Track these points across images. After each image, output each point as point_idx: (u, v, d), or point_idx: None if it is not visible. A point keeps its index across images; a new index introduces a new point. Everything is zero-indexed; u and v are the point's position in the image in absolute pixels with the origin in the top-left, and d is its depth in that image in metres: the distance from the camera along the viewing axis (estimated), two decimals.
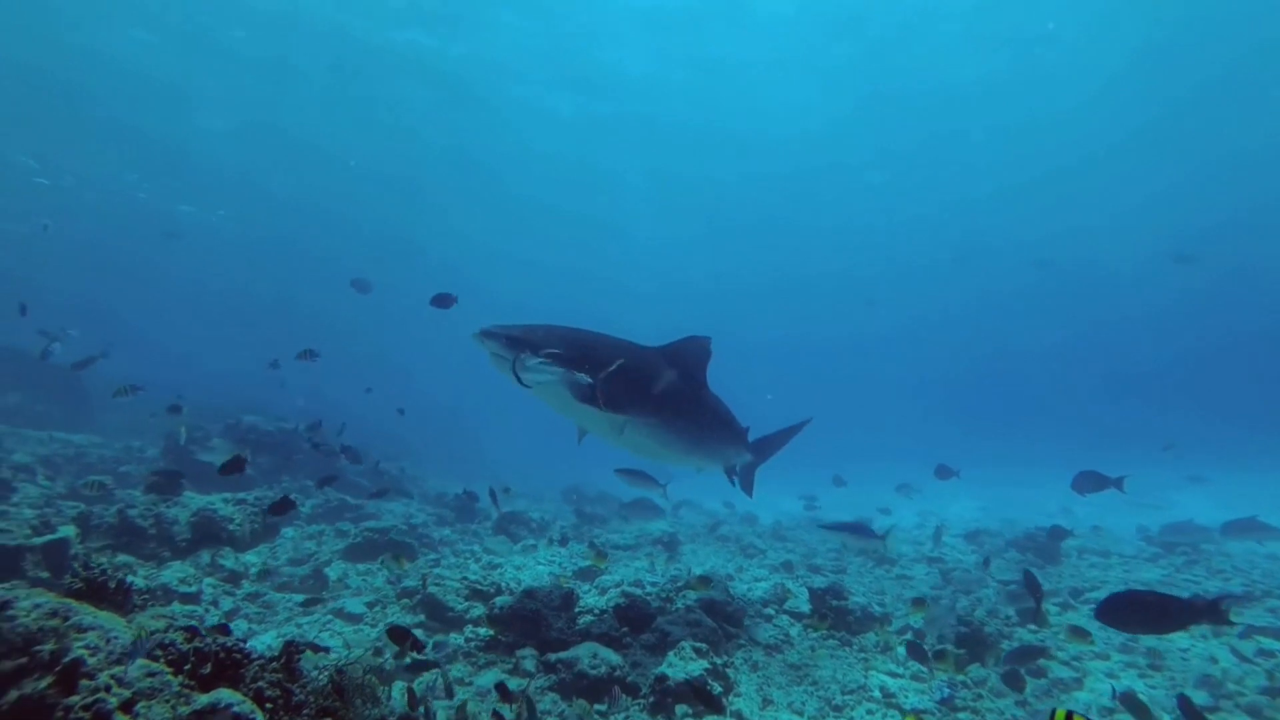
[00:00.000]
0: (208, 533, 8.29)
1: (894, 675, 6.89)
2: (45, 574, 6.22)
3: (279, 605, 7.53)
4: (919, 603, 7.85)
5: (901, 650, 7.30)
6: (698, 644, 6.22)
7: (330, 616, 7.30)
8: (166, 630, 4.02)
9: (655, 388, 6.39)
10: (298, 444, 14.27)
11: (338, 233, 38.75)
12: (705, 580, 7.89)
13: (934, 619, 8.23)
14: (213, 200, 34.10)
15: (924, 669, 6.84)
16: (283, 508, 7.46)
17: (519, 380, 5.71)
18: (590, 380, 5.74)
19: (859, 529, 8.52)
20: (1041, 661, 7.13)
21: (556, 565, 10.38)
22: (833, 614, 8.18)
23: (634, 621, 7.26)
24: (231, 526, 8.47)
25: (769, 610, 8.76)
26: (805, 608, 8.68)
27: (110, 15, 22.10)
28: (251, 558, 8.60)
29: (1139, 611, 4.70)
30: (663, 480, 8.87)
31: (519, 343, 5.73)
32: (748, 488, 8.55)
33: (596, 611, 7.29)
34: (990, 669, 6.90)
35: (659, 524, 13.78)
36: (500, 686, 5.24)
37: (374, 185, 34.42)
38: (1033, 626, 7.92)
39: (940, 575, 11.46)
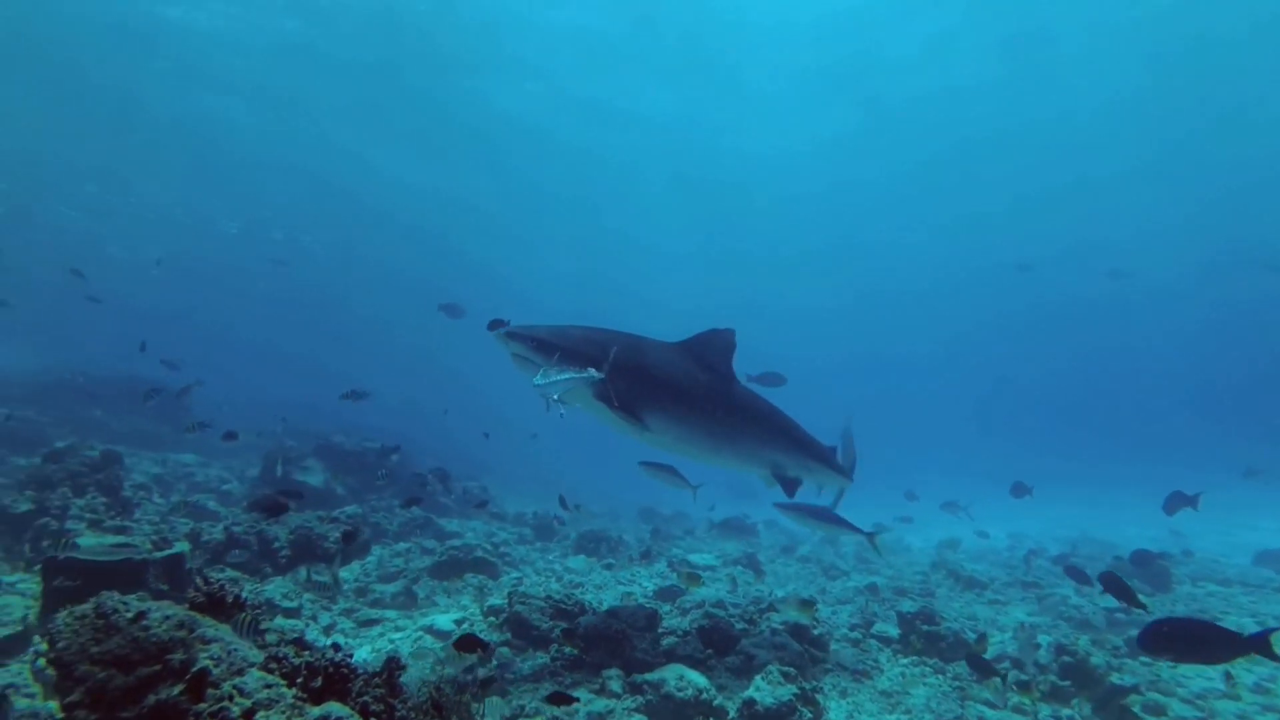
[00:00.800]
0: (305, 549, 8.67)
1: (992, 706, 6.57)
2: (165, 586, 6.62)
3: (374, 620, 7.79)
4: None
5: (999, 679, 6.96)
6: (785, 668, 6.09)
7: (421, 633, 7.50)
8: (278, 644, 4.22)
9: (672, 382, 6.10)
10: (384, 464, 14.79)
11: (425, 258, 40.31)
12: (808, 604, 7.69)
13: (1026, 645, 7.83)
14: (306, 225, 35.99)
15: (1027, 700, 6.50)
16: (350, 538, 7.84)
17: (548, 393, 5.59)
18: (602, 377, 5.47)
19: (825, 514, 8.02)
20: (1158, 698, 6.67)
21: (636, 585, 10.39)
22: (924, 639, 7.89)
23: (718, 643, 7.18)
24: (326, 544, 8.83)
25: (855, 634, 8.52)
26: (894, 632, 8.40)
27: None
28: (345, 574, 8.96)
29: (1184, 640, 4.55)
30: (695, 481, 8.26)
31: (544, 345, 5.61)
32: (837, 506, 8.21)
33: (680, 632, 7.25)
34: (1094, 706, 6.50)
35: (737, 544, 13.62)
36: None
37: (460, 212, 35.80)
38: (1145, 659, 7.41)
39: (1037, 601, 10.90)
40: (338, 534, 8.88)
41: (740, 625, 7.69)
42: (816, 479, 7.44)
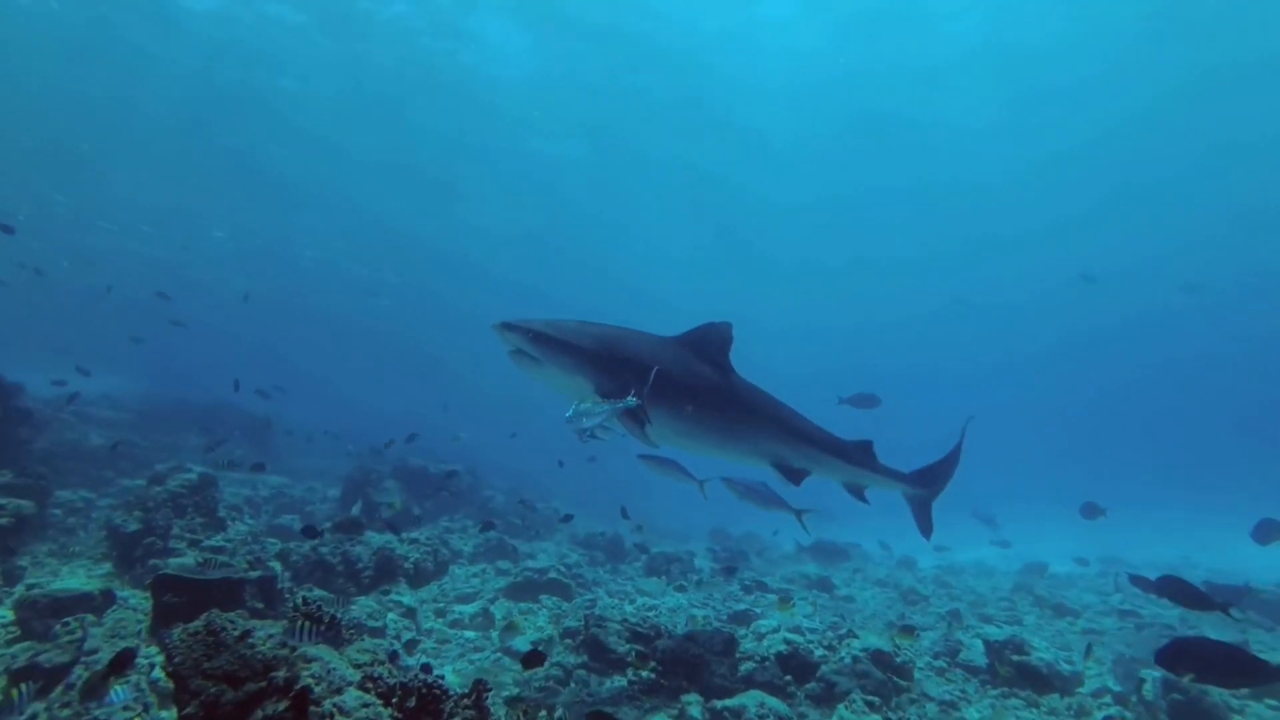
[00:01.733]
0: (387, 570, 8.93)
1: None
2: (260, 604, 6.92)
3: (453, 640, 7.95)
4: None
5: (1100, 716, 6.58)
6: (869, 697, 5.93)
7: (499, 654, 7.61)
8: (372, 664, 4.35)
9: (671, 376, 5.87)
10: (458, 485, 15.14)
11: (486, 286, 41.40)
12: (909, 630, 7.45)
13: (1129, 679, 7.38)
14: (376, 258, 37.47)
15: None
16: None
17: (583, 426, 5.51)
18: (640, 403, 5.32)
19: (762, 490, 7.74)
20: None
21: (710, 608, 10.29)
22: (1014, 669, 7.54)
23: (797, 670, 7.04)
24: (407, 565, 9.07)
25: (940, 663, 8.21)
26: (981, 661, 8.06)
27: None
28: (424, 593, 9.17)
29: (1207, 661, 4.48)
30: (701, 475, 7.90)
31: (541, 337, 5.53)
32: (926, 527, 7.57)
33: (758, 658, 7.13)
34: None
35: (813, 566, 13.35)
36: None
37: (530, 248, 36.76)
38: (1271, 701, 6.87)
39: (1135, 630, 10.28)
40: (417, 555, 9.12)
41: (819, 651, 7.51)
42: (824, 470, 6.99)
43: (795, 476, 6.69)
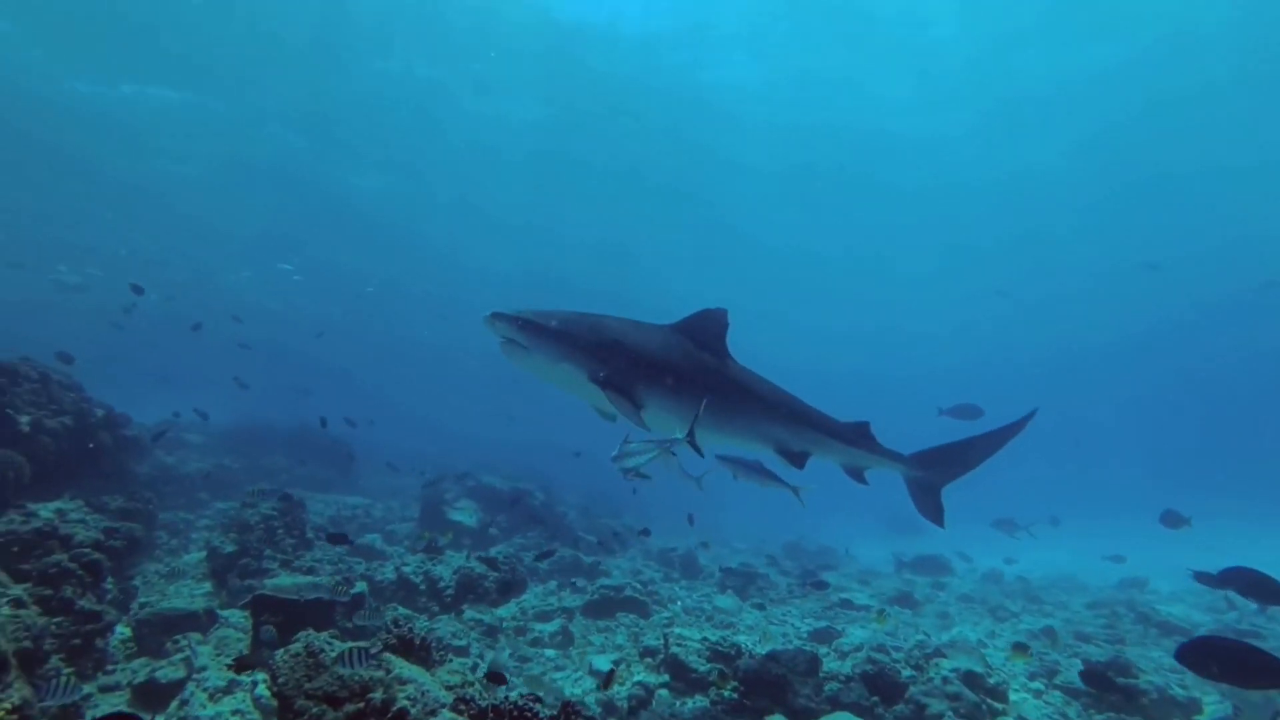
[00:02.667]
0: (467, 589, 9.10)
1: None
2: (350, 624, 7.16)
3: (534, 659, 8.03)
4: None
5: None
6: None
7: (580, 673, 7.64)
8: (463, 685, 4.43)
9: (669, 363, 5.90)
10: (531, 502, 15.34)
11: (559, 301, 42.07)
12: (1023, 648, 7.14)
13: (1261, 712, 6.85)
14: (449, 279, 38.60)
15: None
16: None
17: (630, 466, 5.49)
18: (682, 439, 5.24)
19: (757, 468, 7.63)
20: None
21: (789, 625, 10.10)
22: (1120, 694, 7.12)
23: (884, 690, 6.82)
24: (486, 583, 9.23)
25: (1036, 684, 7.83)
26: (1079, 683, 7.64)
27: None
28: (503, 612, 9.31)
29: (1230, 662, 4.41)
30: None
31: (531, 326, 5.49)
32: (933, 514, 7.06)
33: (842, 678, 6.95)
34: None
35: (892, 581, 12.96)
36: None
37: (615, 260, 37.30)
38: None
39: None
40: (497, 574, 9.27)
41: (907, 671, 7.27)
42: (823, 452, 6.76)
43: (797, 460, 6.56)
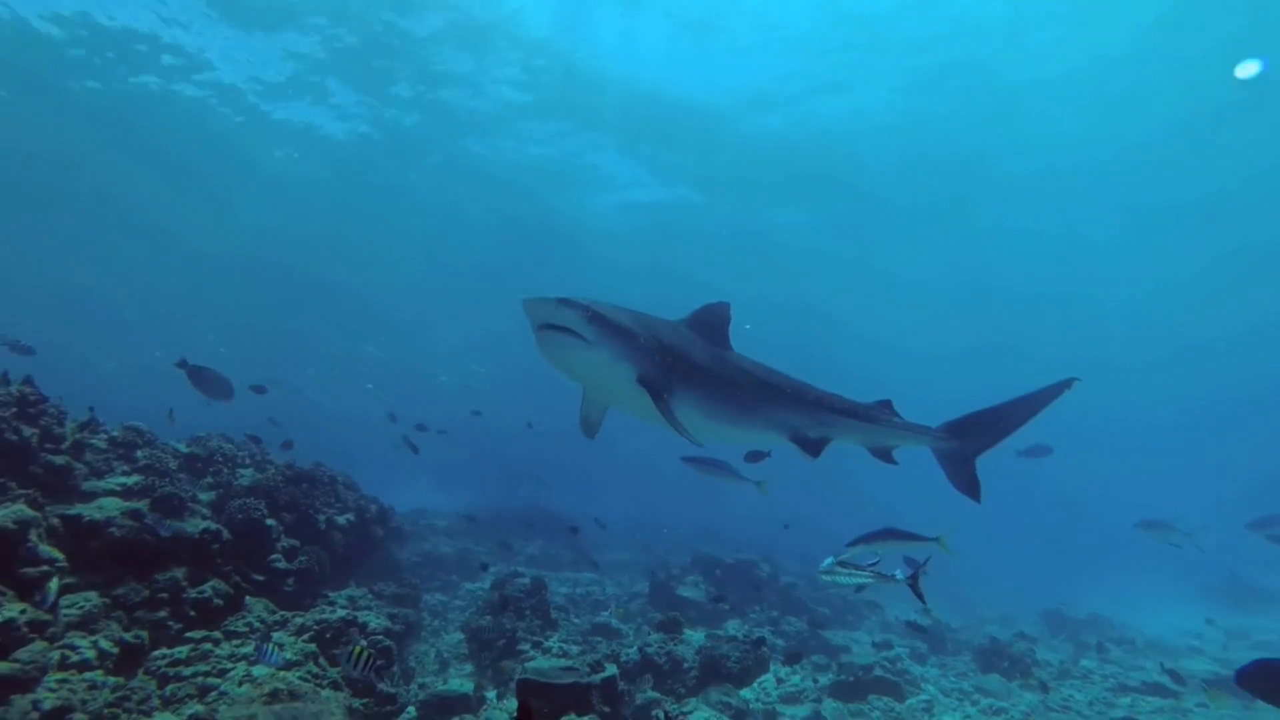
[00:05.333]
0: (711, 669, 8.93)
1: None
2: (606, 708, 7.26)
3: None
4: None
5: None
6: None
7: None
8: None
9: (697, 360, 5.74)
10: (758, 574, 14.96)
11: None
12: None
13: None
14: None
15: None
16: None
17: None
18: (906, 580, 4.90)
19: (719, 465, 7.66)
20: None
21: (1074, 713, 8.77)
22: None
23: None
24: (730, 663, 9.00)
25: None
26: None
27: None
28: (748, 694, 8.99)
29: None
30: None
31: (600, 319, 5.00)
32: (967, 486, 6.45)
33: None
34: None
35: (1198, 659, 10.90)
36: None
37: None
38: None
39: None
40: (738, 654, 9.02)
41: None
42: (842, 433, 6.39)
43: (814, 448, 6.30)
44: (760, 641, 9.57)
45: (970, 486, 6.50)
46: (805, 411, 6.37)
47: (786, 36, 20.35)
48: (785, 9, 19.44)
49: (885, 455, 6.73)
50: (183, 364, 7.74)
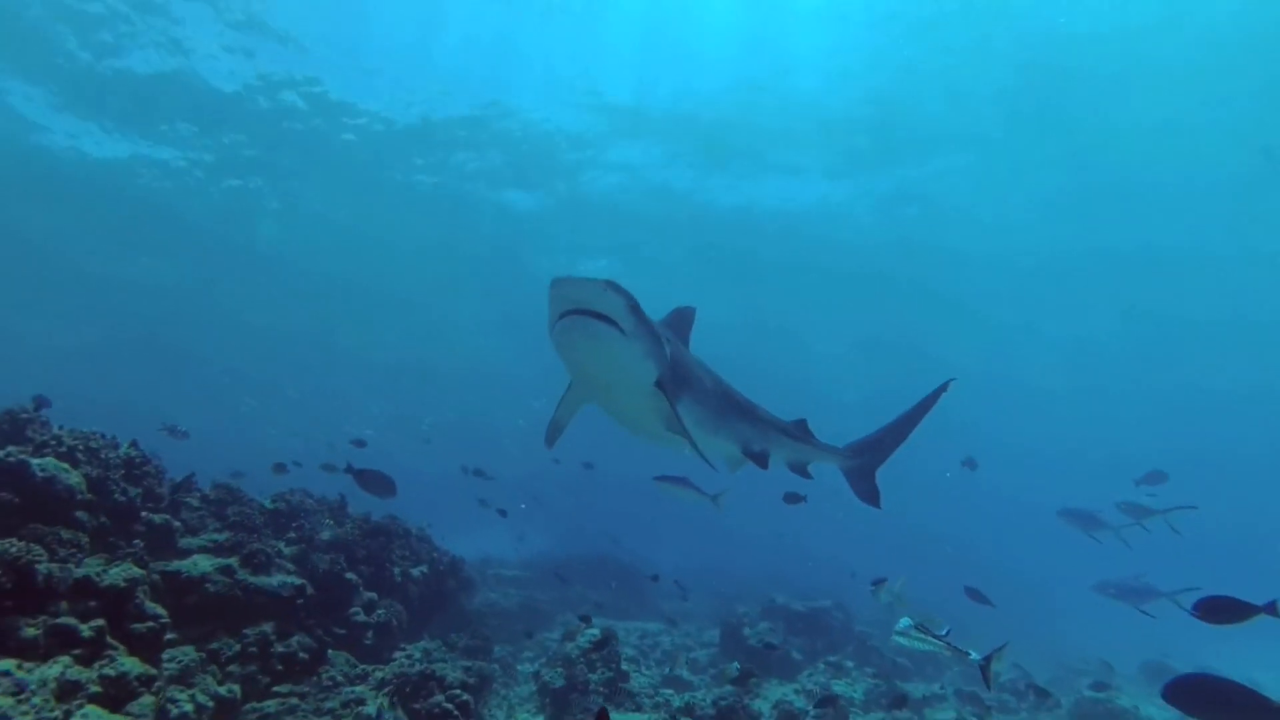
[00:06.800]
0: None
1: None
2: None
3: None
4: None
5: None
6: None
7: None
8: None
9: (688, 369, 5.76)
10: (831, 622, 14.54)
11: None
12: None
13: None
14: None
15: None
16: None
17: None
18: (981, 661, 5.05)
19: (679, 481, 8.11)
20: None
21: None
22: None
23: None
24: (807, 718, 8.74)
25: None
26: None
27: None
28: None
29: (1216, 702, 4.19)
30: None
31: (639, 313, 4.60)
32: (869, 496, 7.15)
33: None
34: None
35: None
36: None
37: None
38: None
39: None
40: (816, 711, 8.75)
41: None
42: (777, 449, 6.75)
43: (762, 460, 6.54)
44: (833, 698, 9.27)
45: (871, 496, 7.20)
46: (755, 425, 6.66)
47: None
48: None
49: (802, 471, 7.23)
50: (350, 469, 8.31)
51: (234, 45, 20.06)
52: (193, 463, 9.48)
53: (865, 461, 7.25)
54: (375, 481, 8.15)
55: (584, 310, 4.38)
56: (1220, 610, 5.29)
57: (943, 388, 6.68)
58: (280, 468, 12.31)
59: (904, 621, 5.39)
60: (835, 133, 22.77)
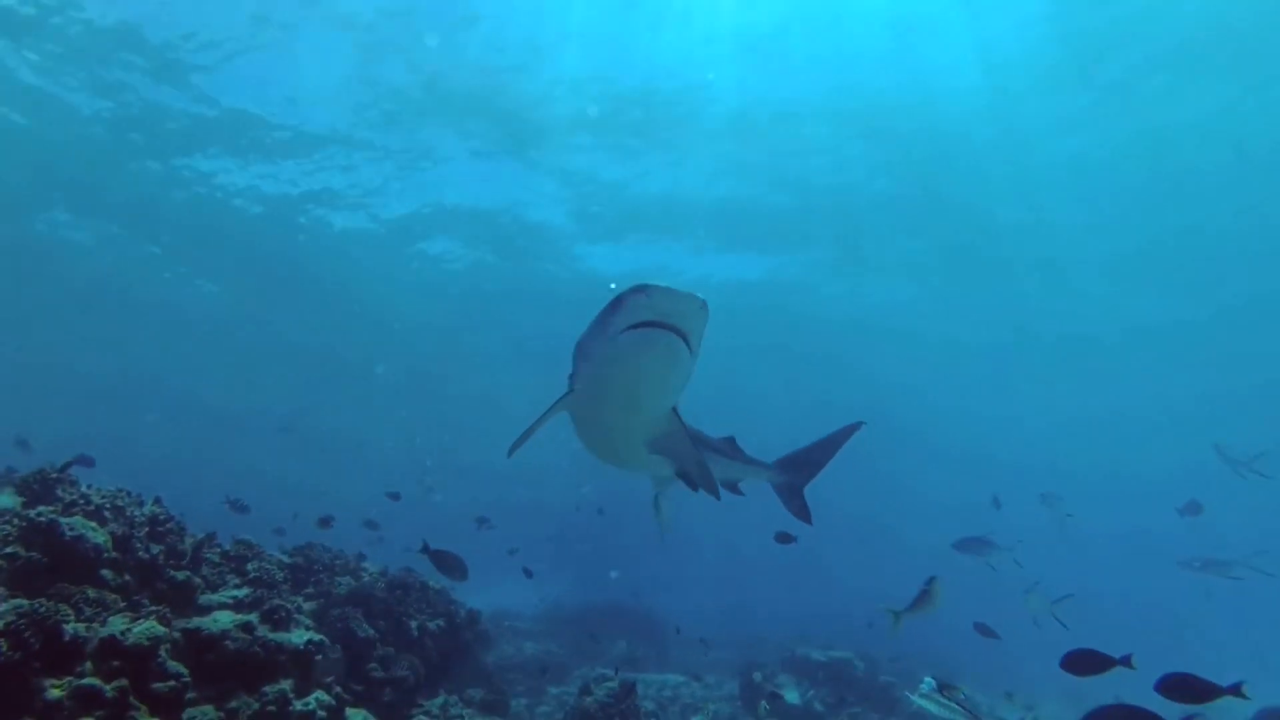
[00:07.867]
0: None
1: None
2: None
3: None
4: None
5: None
6: None
7: None
8: None
9: None
10: (853, 674, 14.23)
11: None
12: None
13: None
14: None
15: None
16: None
17: None
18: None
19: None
20: None
21: None
22: None
23: None
24: None
25: None
26: None
27: None
28: None
29: None
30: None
31: (700, 339, 4.41)
32: (799, 511, 7.15)
33: None
34: None
35: None
36: None
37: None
38: None
39: None
40: None
41: None
42: (711, 469, 6.28)
43: (690, 481, 6.30)
44: None
45: (803, 512, 7.20)
46: (682, 444, 6.42)
47: None
48: None
49: (733, 487, 7.22)
50: (425, 549, 8.52)
51: None
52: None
53: (795, 479, 7.29)
54: (449, 563, 8.32)
55: (668, 325, 3.98)
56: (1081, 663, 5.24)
57: (855, 427, 7.04)
58: (372, 524, 12.63)
59: (927, 683, 5.30)
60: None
